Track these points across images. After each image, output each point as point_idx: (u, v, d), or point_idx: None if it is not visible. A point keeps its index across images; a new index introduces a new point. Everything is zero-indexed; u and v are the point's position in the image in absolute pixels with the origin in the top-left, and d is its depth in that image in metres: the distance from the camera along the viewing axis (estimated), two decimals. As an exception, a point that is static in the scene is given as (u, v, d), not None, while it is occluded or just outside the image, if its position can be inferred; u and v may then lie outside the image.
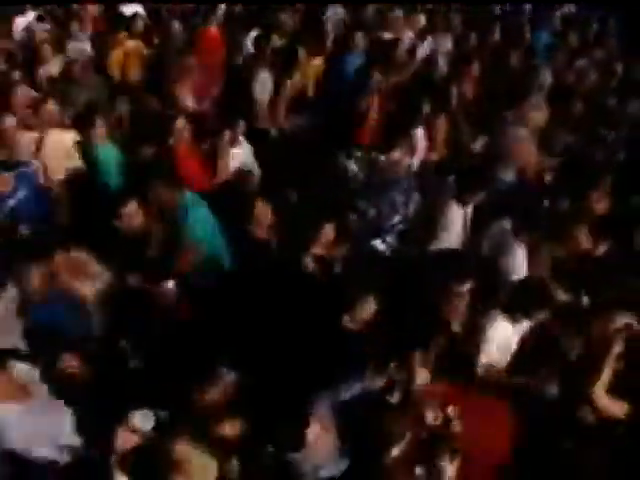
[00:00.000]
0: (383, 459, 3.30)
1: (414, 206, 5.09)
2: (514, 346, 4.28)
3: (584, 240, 4.91)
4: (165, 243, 4.22)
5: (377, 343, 3.84)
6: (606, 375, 3.92)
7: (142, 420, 2.91)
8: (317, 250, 4.33)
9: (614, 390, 3.98)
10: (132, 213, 4.07)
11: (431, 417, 3.53)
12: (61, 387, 3.16)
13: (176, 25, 7.06)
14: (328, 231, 4.31)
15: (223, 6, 7.77)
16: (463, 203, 4.88)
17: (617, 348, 3.94)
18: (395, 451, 3.34)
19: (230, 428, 3.08)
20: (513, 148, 5.55)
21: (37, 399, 3.02)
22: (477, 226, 5.13)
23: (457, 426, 3.52)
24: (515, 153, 5.50)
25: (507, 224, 4.87)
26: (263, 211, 4.42)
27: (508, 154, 5.52)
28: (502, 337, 4.20)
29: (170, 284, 4.12)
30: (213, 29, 6.88)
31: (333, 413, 3.36)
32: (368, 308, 3.86)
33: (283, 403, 3.37)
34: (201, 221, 4.30)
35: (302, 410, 3.29)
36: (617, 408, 3.94)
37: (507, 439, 3.76)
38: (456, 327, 4.16)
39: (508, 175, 5.63)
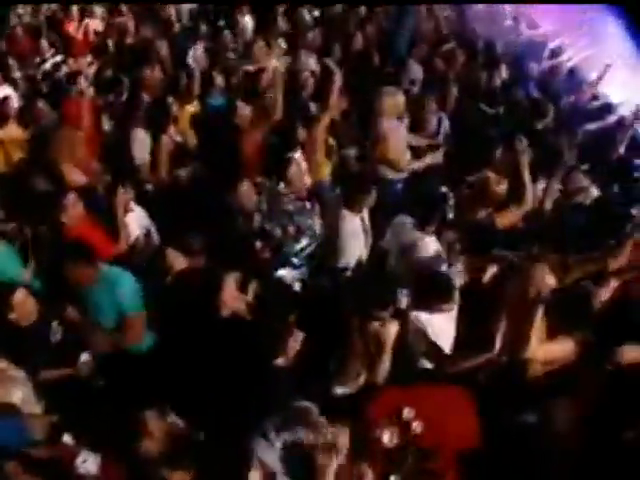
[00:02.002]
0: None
1: (318, 227, 5.17)
2: (453, 331, 4.45)
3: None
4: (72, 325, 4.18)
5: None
6: (538, 324, 4.11)
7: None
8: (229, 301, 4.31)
9: (550, 334, 4.22)
10: (22, 302, 4.00)
11: (387, 434, 3.59)
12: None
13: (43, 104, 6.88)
14: (230, 283, 4.31)
15: (91, 71, 7.83)
16: (355, 211, 4.96)
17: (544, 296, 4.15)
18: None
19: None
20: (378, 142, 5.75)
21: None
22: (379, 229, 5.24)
23: (418, 427, 3.60)
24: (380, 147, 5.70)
25: (408, 219, 4.97)
26: (175, 258, 4.48)
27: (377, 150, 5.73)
28: (440, 327, 4.33)
29: (84, 356, 4.09)
30: (80, 98, 6.70)
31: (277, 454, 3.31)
32: (296, 341, 3.92)
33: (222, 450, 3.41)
34: (132, 289, 4.27)
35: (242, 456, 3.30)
36: (559, 349, 4.20)
37: (472, 422, 3.83)
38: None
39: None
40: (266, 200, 5.01)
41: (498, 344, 4.11)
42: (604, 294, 4.56)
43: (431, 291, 4.28)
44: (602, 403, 3.75)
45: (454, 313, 4.45)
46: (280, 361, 3.83)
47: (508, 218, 5.25)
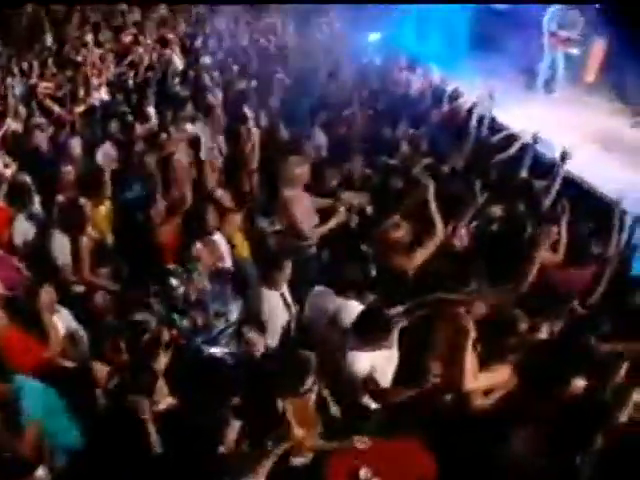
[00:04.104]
0: None
1: (238, 306, 5.29)
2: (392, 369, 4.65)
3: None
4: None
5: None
6: (469, 359, 4.24)
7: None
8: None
9: (484, 363, 4.39)
10: None
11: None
12: None
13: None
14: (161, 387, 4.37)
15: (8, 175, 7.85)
16: (274, 288, 5.08)
17: (470, 332, 4.25)
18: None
19: None
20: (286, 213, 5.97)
21: None
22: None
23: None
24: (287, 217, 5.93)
25: (325, 288, 5.15)
26: (100, 370, 4.52)
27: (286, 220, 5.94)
28: (378, 365, 4.51)
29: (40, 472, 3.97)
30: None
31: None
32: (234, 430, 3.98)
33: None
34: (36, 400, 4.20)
35: None
36: (495, 377, 4.38)
37: (429, 472, 4.02)
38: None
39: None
40: (182, 287, 5.15)
41: (431, 377, 4.26)
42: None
43: (368, 331, 4.48)
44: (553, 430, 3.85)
45: (394, 351, 4.65)
46: (221, 449, 3.94)
47: (417, 258, 5.46)
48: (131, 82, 9.99)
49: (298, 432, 3.93)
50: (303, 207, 6.09)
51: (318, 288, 5.20)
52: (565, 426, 3.70)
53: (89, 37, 11.45)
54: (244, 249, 5.97)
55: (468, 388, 4.26)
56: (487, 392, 4.45)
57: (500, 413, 4.33)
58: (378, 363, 4.53)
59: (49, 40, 12.22)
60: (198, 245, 5.38)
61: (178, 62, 11.02)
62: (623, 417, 3.89)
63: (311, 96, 9.14)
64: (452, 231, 5.90)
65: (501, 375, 4.40)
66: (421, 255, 5.45)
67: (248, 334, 4.65)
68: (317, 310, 5.13)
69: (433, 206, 5.56)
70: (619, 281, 5.65)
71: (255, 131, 7.11)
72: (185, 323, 5.02)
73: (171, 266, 5.35)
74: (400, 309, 4.78)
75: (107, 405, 4.36)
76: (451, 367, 4.33)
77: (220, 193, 6.41)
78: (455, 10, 12.86)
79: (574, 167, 7.43)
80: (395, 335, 4.57)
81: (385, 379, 4.57)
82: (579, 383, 4.16)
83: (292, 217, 5.96)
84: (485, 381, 4.36)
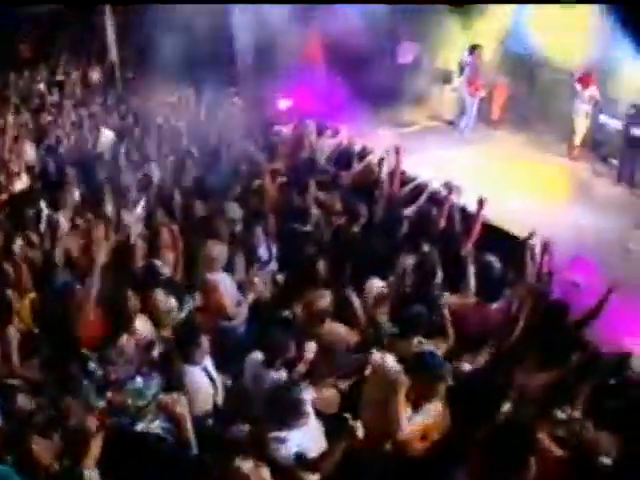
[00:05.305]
0: None
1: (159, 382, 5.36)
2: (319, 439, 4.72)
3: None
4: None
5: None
6: (403, 407, 4.58)
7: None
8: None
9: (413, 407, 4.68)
10: None
11: None
12: None
13: None
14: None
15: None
16: (195, 363, 5.30)
17: (403, 383, 4.63)
18: None
19: None
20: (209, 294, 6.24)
21: None
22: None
23: None
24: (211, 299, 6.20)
25: (259, 355, 5.38)
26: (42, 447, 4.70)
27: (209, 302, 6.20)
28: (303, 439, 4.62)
29: None
30: None
31: None
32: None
33: None
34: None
35: None
36: (427, 417, 4.66)
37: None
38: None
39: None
40: (100, 370, 5.35)
41: (361, 433, 4.28)
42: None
43: (282, 411, 4.59)
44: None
45: (313, 424, 4.78)
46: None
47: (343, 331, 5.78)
48: (51, 166, 10.05)
49: None
50: (226, 287, 6.41)
51: (255, 354, 5.43)
52: (495, 450, 3.85)
53: (10, 118, 11.37)
54: (167, 327, 6.13)
55: (405, 434, 4.55)
56: (423, 437, 4.70)
57: (438, 451, 4.61)
58: (304, 442, 4.54)
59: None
60: (124, 338, 5.57)
61: (98, 143, 11.17)
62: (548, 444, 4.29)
63: (223, 170, 9.47)
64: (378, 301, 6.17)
65: (433, 413, 4.72)
66: (345, 328, 5.79)
67: (166, 398, 4.86)
68: (249, 376, 5.39)
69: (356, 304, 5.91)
70: (541, 308, 6.04)
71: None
72: (102, 403, 5.14)
73: (87, 351, 5.53)
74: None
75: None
76: (386, 417, 4.63)
77: (159, 264, 6.65)
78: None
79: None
80: (309, 409, 4.69)
81: (314, 450, 4.59)
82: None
83: (219, 298, 6.27)
84: (420, 421, 4.66)
